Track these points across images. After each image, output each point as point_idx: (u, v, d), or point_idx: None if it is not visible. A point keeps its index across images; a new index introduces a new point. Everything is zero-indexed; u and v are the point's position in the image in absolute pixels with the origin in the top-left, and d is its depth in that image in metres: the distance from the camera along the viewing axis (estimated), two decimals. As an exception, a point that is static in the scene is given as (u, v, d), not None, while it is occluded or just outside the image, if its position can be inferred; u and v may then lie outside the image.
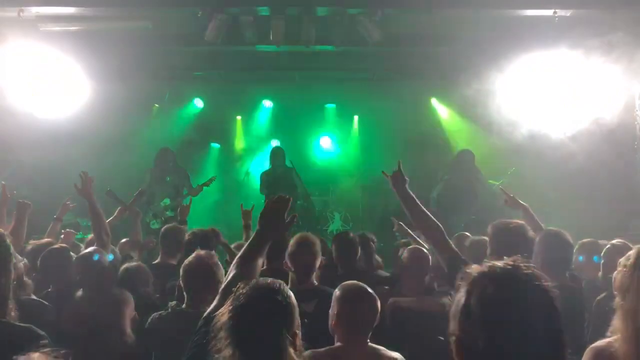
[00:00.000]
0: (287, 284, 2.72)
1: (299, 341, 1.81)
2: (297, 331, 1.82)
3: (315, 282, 3.33)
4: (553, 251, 3.35)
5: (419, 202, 2.95)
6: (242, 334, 1.70)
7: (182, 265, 3.12)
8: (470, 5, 6.63)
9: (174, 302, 3.16)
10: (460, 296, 1.31)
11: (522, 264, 1.30)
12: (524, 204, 4.44)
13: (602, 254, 3.89)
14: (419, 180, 9.34)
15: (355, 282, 2.67)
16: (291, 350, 1.75)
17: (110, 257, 3.98)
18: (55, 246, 3.81)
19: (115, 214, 5.42)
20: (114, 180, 8.02)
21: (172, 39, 7.42)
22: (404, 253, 4.03)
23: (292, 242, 3.38)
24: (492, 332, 1.22)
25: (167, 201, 7.94)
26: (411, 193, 2.99)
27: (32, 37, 6.51)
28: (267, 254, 3.94)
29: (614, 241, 3.93)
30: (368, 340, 2.54)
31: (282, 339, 1.73)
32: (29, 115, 6.65)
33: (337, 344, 2.53)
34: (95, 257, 3.50)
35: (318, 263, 3.35)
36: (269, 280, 1.89)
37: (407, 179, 3.08)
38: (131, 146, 8.63)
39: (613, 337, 2.01)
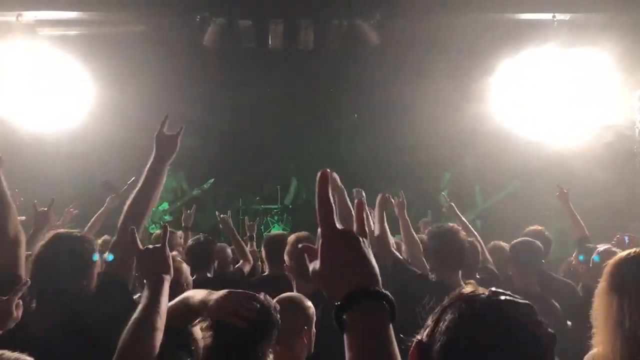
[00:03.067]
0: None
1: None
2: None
3: None
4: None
5: (410, 224, 3.94)
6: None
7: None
8: (469, 10, 6.63)
9: None
10: (440, 308, 1.19)
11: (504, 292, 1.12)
12: (459, 214, 4.71)
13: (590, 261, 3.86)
14: (423, 183, 9.44)
15: (289, 294, 2.57)
16: None
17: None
18: None
19: (106, 203, 5.03)
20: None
21: (170, 43, 7.41)
22: None
23: (290, 241, 3.34)
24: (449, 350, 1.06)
25: (165, 205, 7.96)
26: (407, 217, 3.98)
27: (31, 41, 6.52)
28: (268, 256, 3.95)
29: (601, 247, 3.90)
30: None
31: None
32: (29, 121, 6.66)
33: None
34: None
35: None
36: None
37: (405, 203, 4.05)
38: (128, 150, 8.62)
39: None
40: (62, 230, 2.52)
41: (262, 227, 9.70)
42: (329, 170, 1.08)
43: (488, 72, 6.95)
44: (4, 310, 2.06)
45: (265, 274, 4.07)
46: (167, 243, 2.01)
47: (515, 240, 3.93)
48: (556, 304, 3.46)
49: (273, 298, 2.65)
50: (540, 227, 4.67)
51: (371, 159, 10.09)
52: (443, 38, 7.26)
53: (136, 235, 2.02)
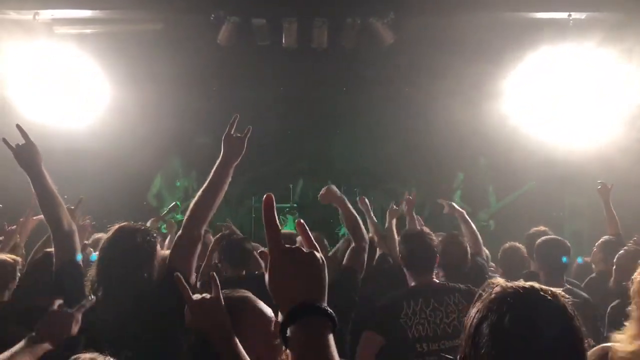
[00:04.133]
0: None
1: None
2: None
3: None
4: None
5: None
6: None
7: None
8: (484, 8, 6.59)
9: None
10: (476, 315, 1.26)
11: (543, 288, 1.23)
12: (461, 210, 4.60)
13: (614, 259, 3.83)
14: (436, 183, 9.40)
15: None
16: None
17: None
18: None
19: (149, 223, 5.19)
20: (125, 185, 8.08)
21: (184, 41, 7.45)
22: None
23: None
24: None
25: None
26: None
27: (48, 39, 6.60)
28: None
29: (625, 247, 3.87)
30: None
31: None
32: (43, 119, 6.74)
33: None
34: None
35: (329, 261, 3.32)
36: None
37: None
38: (143, 150, 8.67)
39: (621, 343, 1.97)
40: (126, 223, 2.63)
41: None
42: (272, 194, 1.14)
43: (503, 71, 6.90)
44: (66, 323, 2.14)
45: None
46: (219, 290, 1.79)
47: (540, 239, 3.87)
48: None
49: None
50: (544, 228, 4.64)
51: (384, 158, 10.07)
52: (458, 37, 7.21)
53: (184, 283, 1.84)
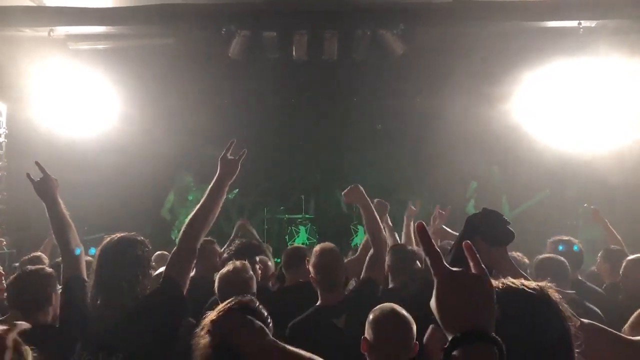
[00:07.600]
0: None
1: None
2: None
3: (345, 292, 3.27)
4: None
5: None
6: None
7: (218, 276, 3.14)
8: (495, 18, 6.60)
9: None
10: None
11: (528, 284, 1.30)
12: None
13: (621, 269, 3.77)
14: (449, 193, 9.35)
15: (390, 304, 2.47)
16: None
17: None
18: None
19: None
20: (137, 198, 8.13)
21: (195, 55, 7.53)
22: None
23: (315, 252, 3.31)
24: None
25: (191, 217, 8.07)
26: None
27: (62, 54, 6.73)
28: (286, 265, 3.99)
29: (633, 256, 3.82)
30: None
31: None
32: (58, 131, 6.85)
33: None
34: None
35: (344, 272, 3.27)
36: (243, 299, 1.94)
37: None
38: (155, 163, 8.73)
39: None
40: (124, 233, 2.72)
41: (287, 237, 9.75)
42: (423, 222, 1.17)
43: (514, 80, 6.89)
44: None
45: (285, 284, 4.12)
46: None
47: (539, 257, 3.83)
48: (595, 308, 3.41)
49: (296, 306, 2.69)
50: (567, 238, 4.58)
51: (396, 168, 10.06)
52: (468, 47, 7.22)
53: None
